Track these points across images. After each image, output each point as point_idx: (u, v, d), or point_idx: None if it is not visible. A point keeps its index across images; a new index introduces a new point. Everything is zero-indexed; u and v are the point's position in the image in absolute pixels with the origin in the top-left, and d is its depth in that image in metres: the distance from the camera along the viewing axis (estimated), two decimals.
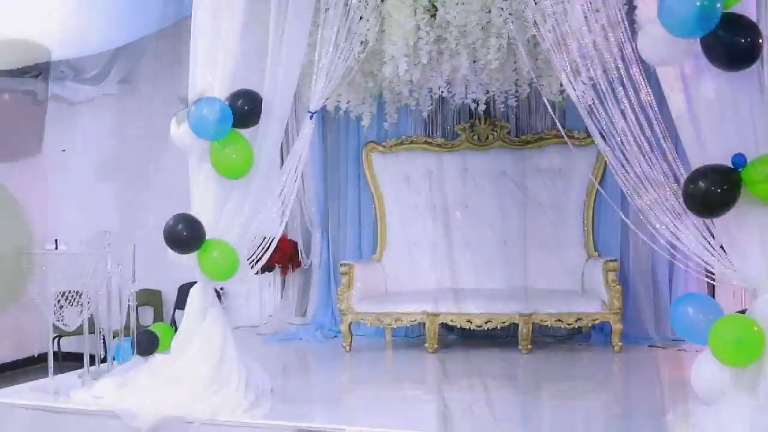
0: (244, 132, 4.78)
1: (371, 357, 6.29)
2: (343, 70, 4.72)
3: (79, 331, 5.50)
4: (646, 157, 4.15)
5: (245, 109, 4.70)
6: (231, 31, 4.76)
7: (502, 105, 6.06)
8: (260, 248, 4.99)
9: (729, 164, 3.84)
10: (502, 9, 4.64)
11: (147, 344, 5.29)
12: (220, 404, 4.49)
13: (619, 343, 5.98)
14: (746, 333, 3.76)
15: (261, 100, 4.75)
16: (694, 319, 4.02)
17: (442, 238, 6.84)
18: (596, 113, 4.24)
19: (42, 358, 8.00)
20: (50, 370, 5.37)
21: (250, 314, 7.69)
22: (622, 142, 4.19)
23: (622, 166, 4.20)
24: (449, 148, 6.94)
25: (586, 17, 4.29)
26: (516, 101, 5.88)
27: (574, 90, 4.30)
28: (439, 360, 6.02)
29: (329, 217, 7.41)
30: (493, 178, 6.84)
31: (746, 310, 4.02)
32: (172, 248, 4.72)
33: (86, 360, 5.32)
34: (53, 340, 7.54)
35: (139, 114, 8.03)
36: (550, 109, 5.27)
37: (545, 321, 6.03)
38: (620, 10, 4.29)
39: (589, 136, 6.53)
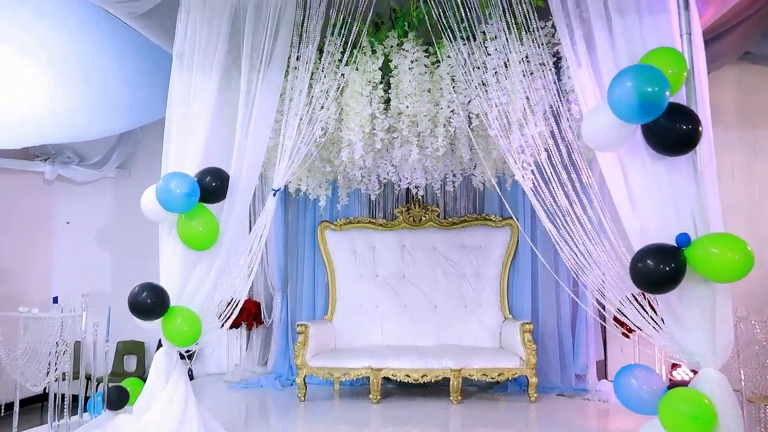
0: (211, 207, 3.52)
1: (323, 406, 4.91)
2: (304, 153, 3.51)
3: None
4: (589, 235, 3.03)
5: (213, 185, 3.45)
6: (202, 115, 3.55)
7: (438, 191, 4.88)
8: (228, 308, 3.68)
9: (672, 243, 2.79)
10: (450, 102, 3.52)
11: (117, 399, 3.87)
12: None
13: (535, 394, 4.78)
14: (700, 408, 2.62)
15: (228, 177, 3.51)
16: (638, 390, 2.87)
17: (383, 301, 5.57)
18: (541, 194, 3.12)
19: (42, 398, 6.42)
20: (14, 428, 3.82)
21: (219, 363, 6.21)
22: (566, 222, 3.07)
23: (567, 244, 3.06)
24: (389, 227, 5.74)
25: (531, 107, 3.22)
26: (453, 187, 4.70)
27: (520, 171, 3.18)
28: (382, 409, 4.73)
29: (288, 281, 6.05)
30: (426, 252, 5.64)
31: (688, 382, 2.91)
32: (136, 316, 3.36)
33: (50, 419, 3.81)
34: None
35: (132, 194, 6.59)
36: (498, 190, 4.04)
37: (472, 375, 4.79)
38: (559, 99, 3.23)
39: (504, 218, 5.56)
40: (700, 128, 2.76)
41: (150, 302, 3.32)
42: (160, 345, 5.96)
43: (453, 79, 3.50)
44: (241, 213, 3.57)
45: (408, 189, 5.31)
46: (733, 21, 3.66)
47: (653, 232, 2.86)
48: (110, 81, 4.77)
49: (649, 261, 2.75)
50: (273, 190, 3.54)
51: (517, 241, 5.45)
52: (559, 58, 3.41)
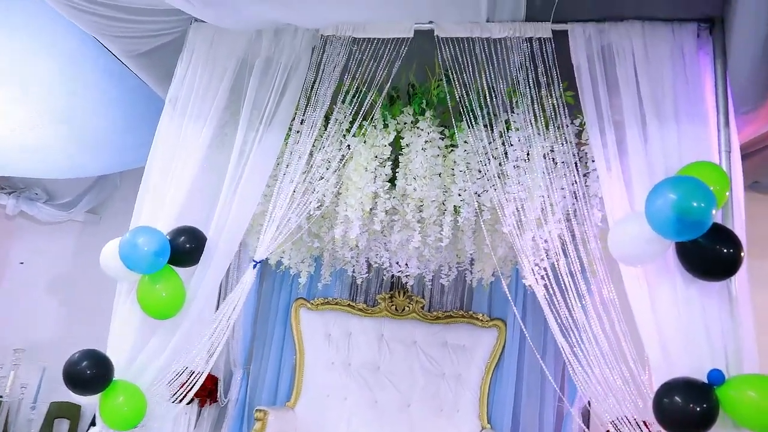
0: (180, 270, 3.08)
1: None
2: (294, 225, 3.10)
3: None
4: (606, 358, 2.64)
5: (186, 246, 3.02)
6: (188, 167, 3.17)
7: (429, 282, 4.45)
8: (187, 385, 3.14)
9: (702, 380, 2.42)
10: (462, 190, 3.18)
11: None
12: None
13: None
14: None
15: (205, 240, 3.08)
16: None
17: (352, 394, 5.02)
18: (555, 304, 2.74)
19: None
20: None
21: None
22: (580, 339, 2.68)
23: (580, 364, 2.66)
24: (369, 313, 5.26)
25: (552, 206, 2.90)
26: (447, 281, 4.28)
27: (533, 276, 2.81)
28: None
29: (252, 359, 5.43)
30: (406, 345, 5.14)
31: None
32: (70, 388, 2.84)
33: None
34: None
35: (99, 242, 6.05)
36: (507, 289, 3.62)
37: None
38: (577, 202, 2.93)
39: (492, 319, 5.14)
40: (742, 254, 2.46)
41: (89, 374, 2.79)
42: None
43: (467, 167, 3.18)
44: (214, 281, 3.12)
45: (393, 275, 4.92)
46: (761, 144, 3.47)
47: (680, 364, 2.48)
48: (96, 120, 4.39)
49: (677, 398, 2.36)
50: (254, 261, 3.11)
51: (504, 344, 5.01)
52: (581, 158, 3.12)
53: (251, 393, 5.28)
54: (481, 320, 5.10)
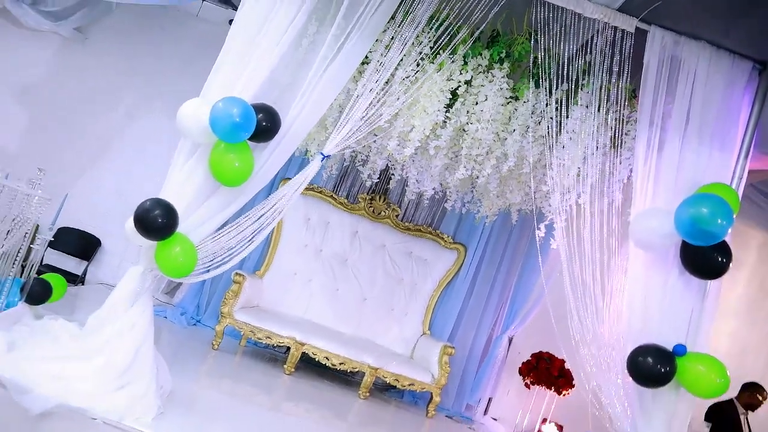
0: (251, 145, 3.26)
1: (236, 362, 4.80)
2: (363, 135, 3.36)
3: None
4: (599, 315, 3.28)
5: (263, 124, 3.19)
6: (279, 44, 3.26)
7: (427, 200, 4.83)
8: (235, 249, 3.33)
9: (669, 349, 3.11)
10: (515, 142, 3.56)
11: (39, 294, 3.53)
12: (128, 406, 2.85)
13: (433, 412, 5.01)
14: None
15: (280, 123, 3.26)
16: None
17: (318, 278, 5.48)
18: (572, 263, 3.30)
19: None
20: None
21: (116, 274, 5.58)
22: (583, 294, 3.28)
23: (578, 314, 3.27)
24: (349, 209, 5.63)
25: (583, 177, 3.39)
26: (450, 206, 4.68)
27: (561, 231, 3.34)
28: (293, 382, 4.71)
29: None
30: (375, 247, 5.62)
31: None
32: (138, 230, 3.02)
33: None
34: None
35: (79, 64, 5.86)
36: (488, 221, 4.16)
37: (386, 377, 4.88)
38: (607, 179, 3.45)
39: (454, 242, 5.72)
40: (730, 265, 3.10)
41: (161, 222, 2.98)
42: (59, 234, 5.38)
43: (524, 121, 3.55)
44: (279, 161, 3.34)
45: (379, 179, 5.31)
46: None
47: (654, 333, 3.15)
48: None
49: (649, 358, 3.04)
50: (322, 154, 3.35)
51: (460, 267, 5.64)
52: (619, 145, 3.60)
53: None
54: (445, 240, 5.68)
